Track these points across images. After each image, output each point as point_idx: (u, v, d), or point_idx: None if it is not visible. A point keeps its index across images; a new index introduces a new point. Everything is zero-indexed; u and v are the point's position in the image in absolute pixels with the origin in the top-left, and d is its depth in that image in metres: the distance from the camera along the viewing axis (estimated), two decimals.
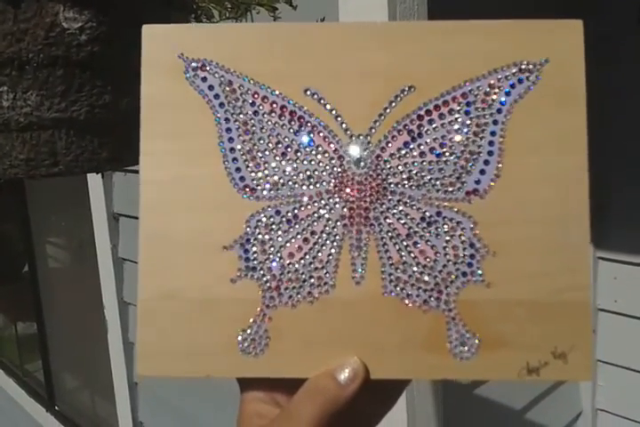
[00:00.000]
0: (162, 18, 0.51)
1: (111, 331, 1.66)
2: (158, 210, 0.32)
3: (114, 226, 1.55)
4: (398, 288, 0.31)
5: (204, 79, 0.32)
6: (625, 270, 1.23)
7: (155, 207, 0.32)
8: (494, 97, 0.31)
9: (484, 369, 0.30)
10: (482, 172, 0.31)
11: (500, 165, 0.31)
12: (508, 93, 0.31)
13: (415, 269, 0.31)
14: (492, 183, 0.31)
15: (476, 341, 0.30)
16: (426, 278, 0.31)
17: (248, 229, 0.31)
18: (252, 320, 0.31)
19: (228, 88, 0.32)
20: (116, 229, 1.55)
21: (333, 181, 0.32)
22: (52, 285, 2.35)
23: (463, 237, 0.31)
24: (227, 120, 0.32)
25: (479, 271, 0.31)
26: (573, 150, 0.31)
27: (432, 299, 0.31)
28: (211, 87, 0.32)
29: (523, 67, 0.31)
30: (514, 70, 0.31)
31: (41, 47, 0.43)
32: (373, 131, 0.32)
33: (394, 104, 0.31)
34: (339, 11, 0.83)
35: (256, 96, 0.32)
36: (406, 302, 0.31)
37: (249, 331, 0.31)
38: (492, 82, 0.31)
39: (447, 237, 0.31)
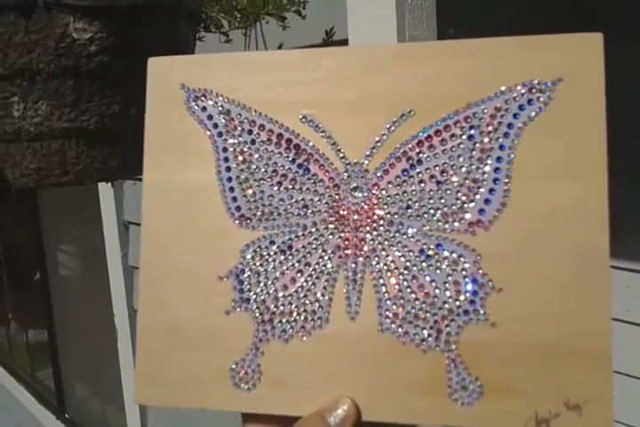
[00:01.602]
0: (171, 28, 0.52)
1: (121, 339, 1.66)
2: (158, 239, 0.32)
3: (124, 234, 1.56)
4: (395, 325, 0.29)
5: (204, 109, 0.32)
6: (637, 279, 1.22)
7: (155, 236, 0.32)
8: (501, 120, 0.29)
9: (487, 417, 0.27)
10: (486, 201, 0.29)
11: (506, 194, 0.29)
12: (516, 116, 0.29)
13: (413, 305, 0.29)
14: (498, 214, 0.29)
15: (479, 386, 0.28)
16: (424, 316, 0.29)
17: (243, 259, 0.31)
18: (245, 354, 0.30)
19: (226, 117, 0.32)
20: (126, 237, 1.56)
21: (329, 210, 0.30)
22: (63, 292, 2.36)
23: (465, 272, 0.29)
24: (224, 149, 0.32)
25: (482, 310, 0.28)
26: (590, 178, 0.28)
27: (431, 338, 0.29)
28: (210, 117, 0.32)
29: (533, 86, 0.29)
30: (523, 91, 0.29)
31: (51, 58, 0.44)
32: (370, 158, 0.30)
33: (392, 129, 0.30)
34: (347, 20, 0.84)
35: (253, 125, 0.32)
36: (403, 340, 0.29)
37: (241, 365, 0.30)
38: (498, 104, 0.29)
39: (448, 272, 0.29)
